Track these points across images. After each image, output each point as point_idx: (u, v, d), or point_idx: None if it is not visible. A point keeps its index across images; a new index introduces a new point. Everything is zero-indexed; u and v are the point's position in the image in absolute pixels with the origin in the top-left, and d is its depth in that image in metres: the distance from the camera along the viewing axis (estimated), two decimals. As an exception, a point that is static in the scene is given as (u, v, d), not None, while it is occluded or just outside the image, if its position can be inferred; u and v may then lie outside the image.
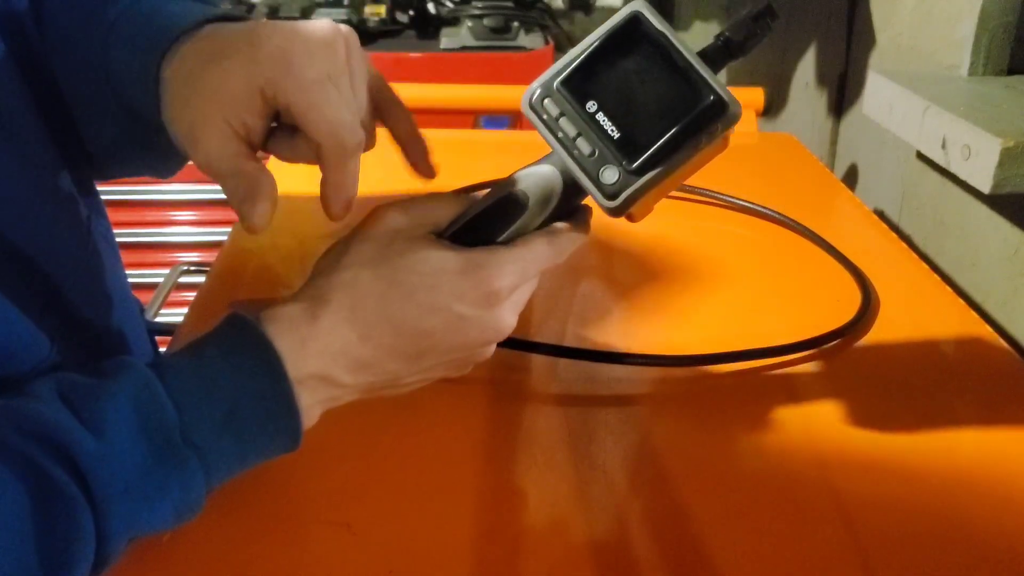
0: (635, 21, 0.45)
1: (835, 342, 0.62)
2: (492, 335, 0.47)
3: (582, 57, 0.46)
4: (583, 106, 0.45)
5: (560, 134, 0.45)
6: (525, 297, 0.48)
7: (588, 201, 0.47)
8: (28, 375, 0.44)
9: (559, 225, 0.48)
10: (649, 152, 0.44)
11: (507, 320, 0.47)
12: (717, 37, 0.46)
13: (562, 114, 0.45)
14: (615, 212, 0.45)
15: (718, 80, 0.44)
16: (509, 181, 0.47)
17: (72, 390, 0.40)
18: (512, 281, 0.46)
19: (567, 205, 0.47)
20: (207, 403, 0.42)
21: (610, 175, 0.44)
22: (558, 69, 0.46)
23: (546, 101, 0.46)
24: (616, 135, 0.44)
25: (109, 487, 0.38)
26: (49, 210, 0.51)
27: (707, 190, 0.84)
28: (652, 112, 0.44)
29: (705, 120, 0.44)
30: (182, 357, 0.43)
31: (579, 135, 0.45)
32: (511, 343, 0.57)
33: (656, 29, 0.45)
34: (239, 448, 0.43)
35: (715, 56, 0.46)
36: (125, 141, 0.53)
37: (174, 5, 0.50)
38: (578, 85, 0.45)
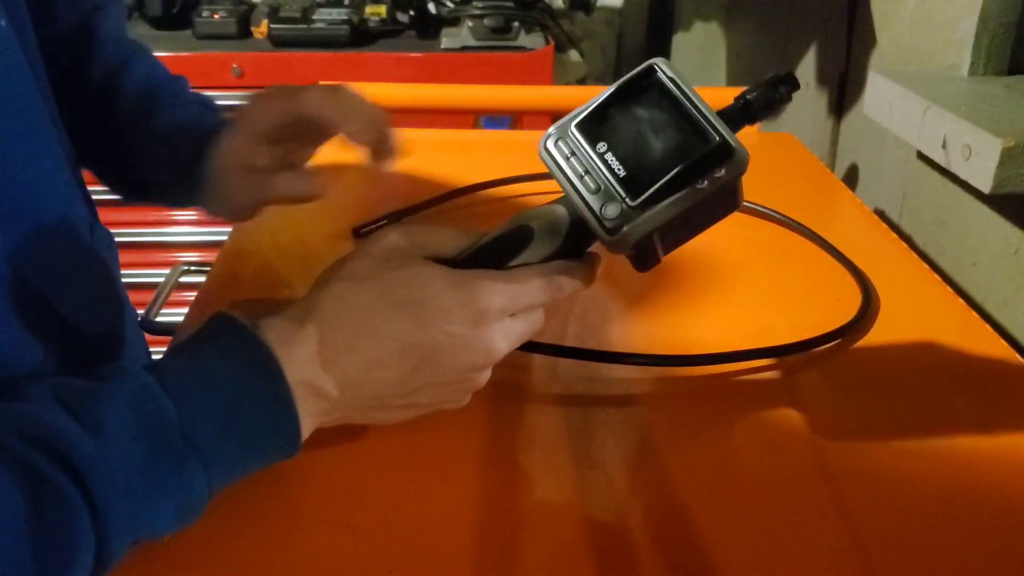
0: (651, 71, 0.47)
1: (835, 342, 0.62)
2: (480, 358, 0.47)
3: (598, 102, 0.47)
4: (594, 147, 0.46)
5: (569, 172, 0.46)
6: (521, 329, 0.48)
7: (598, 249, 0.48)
8: (21, 380, 0.43)
9: (561, 263, 0.48)
10: (651, 190, 0.44)
11: (497, 344, 0.47)
12: (737, 99, 0.47)
13: (573, 153, 0.47)
14: (614, 247, 0.46)
15: (728, 129, 0.45)
16: (518, 216, 0.48)
17: (68, 393, 0.40)
18: (501, 303, 0.46)
19: (574, 246, 0.48)
20: (207, 404, 0.42)
21: (612, 210, 0.45)
22: (575, 113, 0.48)
23: (560, 142, 0.47)
24: (622, 174, 0.45)
25: (108, 488, 0.38)
26: (48, 216, 0.51)
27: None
28: (659, 154, 0.45)
29: (709, 164, 0.44)
30: (179, 360, 0.43)
31: (587, 172, 0.46)
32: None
33: (671, 79, 0.46)
34: (240, 451, 0.43)
35: (733, 116, 0.47)
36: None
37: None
38: (592, 128, 0.47)
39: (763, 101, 0.47)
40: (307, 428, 0.46)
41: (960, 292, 0.76)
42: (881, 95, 0.85)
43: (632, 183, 0.45)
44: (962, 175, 0.71)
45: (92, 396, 0.40)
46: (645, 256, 0.49)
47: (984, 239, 0.80)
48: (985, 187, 0.68)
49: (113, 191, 0.69)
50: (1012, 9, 0.81)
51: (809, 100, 1.26)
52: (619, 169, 0.45)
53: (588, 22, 2.27)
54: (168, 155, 0.64)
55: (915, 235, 0.93)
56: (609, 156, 0.46)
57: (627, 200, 0.45)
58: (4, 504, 0.36)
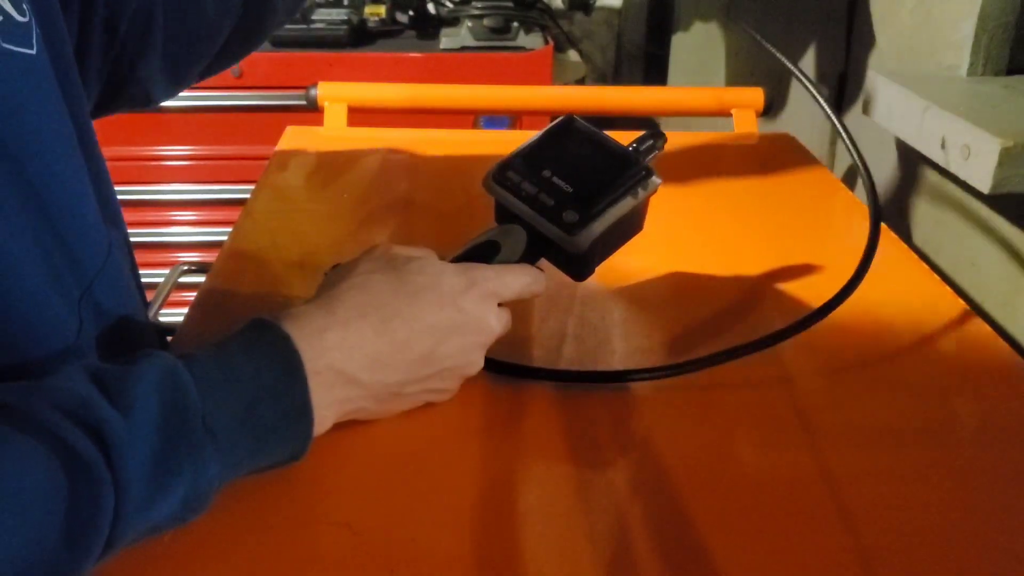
0: (571, 120, 0.60)
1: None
2: (484, 336, 0.53)
3: (533, 142, 0.59)
4: (540, 173, 0.57)
5: (523, 194, 0.57)
6: (505, 317, 0.54)
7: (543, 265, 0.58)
8: (54, 359, 0.46)
9: (528, 266, 0.56)
10: (601, 197, 0.56)
11: (493, 323, 0.53)
12: (628, 146, 0.59)
13: (523, 180, 0.57)
14: (573, 246, 0.55)
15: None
16: (484, 232, 0.58)
17: (101, 373, 0.41)
18: (494, 287, 0.53)
19: (530, 257, 0.57)
20: (229, 395, 0.43)
21: (570, 216, 0.55)
22: (515, 152, 0.59)
23: (508, 172, 0.58)
24: (570, 190, 0.56)
25: (131, 467, 0.39)
26: (69, 217, 0.52)
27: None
28: (597, 175, 0.57)
29: (638, 180, 0.57)
30: (207, 351, 0.45)
31: (540, 192, 0.56)
32: (512, 370, 0.58)
33: (586, 126, 0.60)
34: (254, 444, 0.44)
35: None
36: None
37: None
38: (534, 161, 0.58)
39: (647, 149, 0.59)
40: (328, 419, 0.48)
41: (959, 292, 0.76)
42: (880, 95, 0.85)
43: (582, 195, 0.56)
44: (961, 175, 0.72)
45: (123, 377, 0.41)
46: (588, 262, 0.58)
47: (983, 239, 0.80)
48: (984, 187, 0.68)
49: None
50: (1011, 9, 0.81)
51: (808, 100, 1.26)
52: (566, 188, 0.56)
53: (587, 22, 2.27)
54: None
55: (914, 235, 0.93)
56: (555, 179, 0.57)
57: (581, 208, 0.55)
58: (37, 475, 0.36)
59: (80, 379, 0.40)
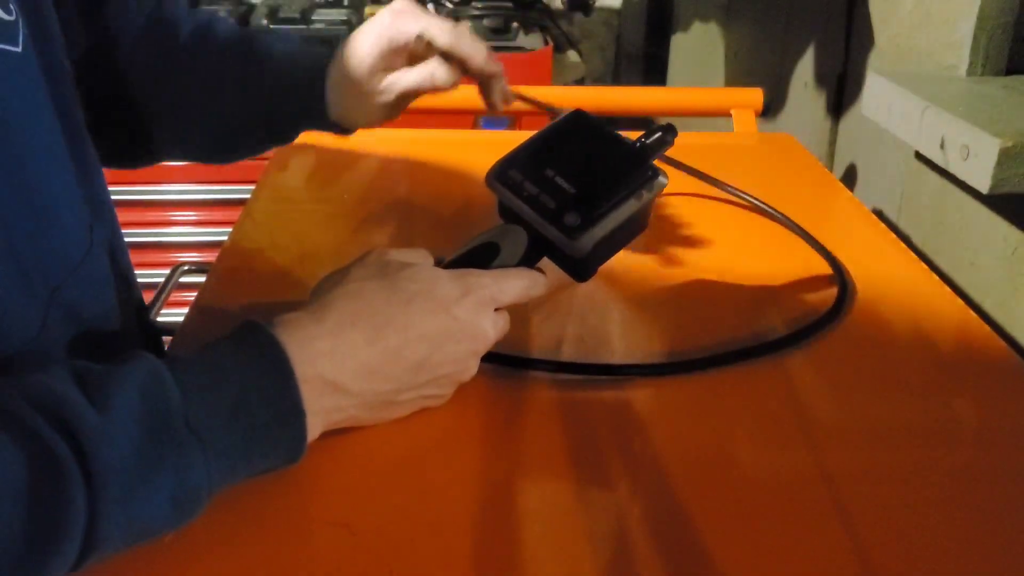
0: (579, 115, 0.59)
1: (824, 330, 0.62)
2: (478, 344, 0.52)
3: (539, 137, 0.58)
4: (543, 172, 0.56)
5: (525, 194, 0.55)
6: (501, 323, 0.53)
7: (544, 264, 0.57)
8: (14, 355, 0.46)
9: (526, 269, 0.55)
10: (604, 200, 0.54)
11: (488, 330, 0.52)
12: (635, 142, 0.58)
13: (525, 179, 0.56)
14: (575, 250, 0.54)
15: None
16: (483, 233, 0.57)
17: (83, 372, 0.41)
18: (490, 293, 0.52)
19: (530, 260, 0.56)
20: (214, 395, 0.43)
21: (572, 219, 0.54)
22: (518, 149, 0.58)
23: (511, 171, 0.56)
24: (573, 191, 0.55)
25: (106, 464, 0.38)
26: (48, 212, 0.52)
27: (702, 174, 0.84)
28: (601, 176, 0.56)
29: (643, 181, 0.56)
30: (194, 353, 0.45)
31: (542, 192, 0.55)
32: (511, 360, 0.58)
33: (595, 122, 0.58)
34: (244, 446, 0.43)
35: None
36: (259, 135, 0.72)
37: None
38: (537, 159, 0.57)
39: (655, 145, 0.58)
40: (317, 427, 0.47)
41: (959, 292, 0.76)
42: (879, 95, 0.85)
43: (585, 197, 0.54)
44: (960, 175, 0.72)
45: (105, 376, 0.41)
46: (589, 264, 0.57)
47: (982, 239, 0.80)
48: (983, 187, 0.68)
49: (199, 155, 0.75)
50: (1010, 9, 0.81)
51: (808, 101, 1.27)
52: (569, 188, 0.55)
53: (587, 23, 2.27)
54: (287, 75, 0.68)
55: (913, 235, 0.93)
56: (558, 179, 0.55)
57: (583, 210, 0.54)
58: (3, 471, 0.36)
59: (61, 377, 0.40)
